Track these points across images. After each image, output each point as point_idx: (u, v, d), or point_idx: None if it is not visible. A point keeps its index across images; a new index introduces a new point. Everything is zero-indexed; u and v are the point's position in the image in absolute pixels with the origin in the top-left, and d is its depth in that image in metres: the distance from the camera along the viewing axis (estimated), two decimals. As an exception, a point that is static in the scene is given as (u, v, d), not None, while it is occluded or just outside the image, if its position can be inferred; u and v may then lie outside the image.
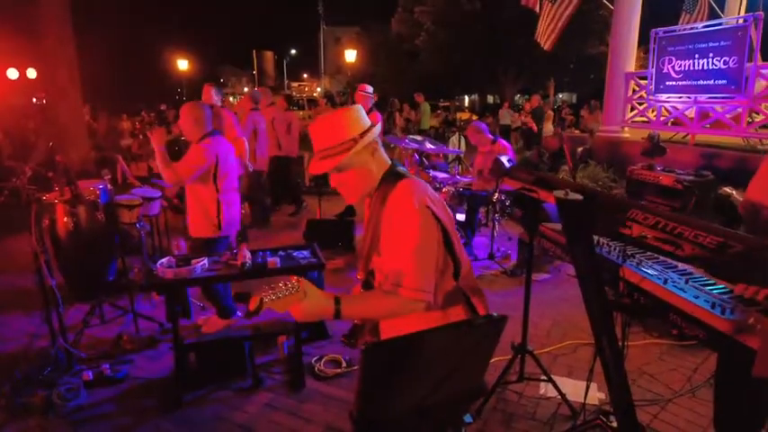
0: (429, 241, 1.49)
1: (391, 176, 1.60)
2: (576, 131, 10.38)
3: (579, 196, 1.74)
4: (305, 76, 50.24)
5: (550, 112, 14.97)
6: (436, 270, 1.51)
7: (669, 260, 1.97)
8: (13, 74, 8.45)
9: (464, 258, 1.65)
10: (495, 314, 0.82)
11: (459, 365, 0.77)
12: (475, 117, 19.53)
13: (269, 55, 10.81)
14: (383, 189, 1.58)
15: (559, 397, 2.82)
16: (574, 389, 2.91)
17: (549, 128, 12.63)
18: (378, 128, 1.63)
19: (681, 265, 1.92)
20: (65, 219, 3.35)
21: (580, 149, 7.94)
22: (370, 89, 6.01)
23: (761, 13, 5.47)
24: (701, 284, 1.75)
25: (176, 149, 5.75)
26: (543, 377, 2.92)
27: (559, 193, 1.76)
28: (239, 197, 3.63)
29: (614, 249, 2.10)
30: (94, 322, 3.79)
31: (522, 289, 2.92)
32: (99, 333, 3.73)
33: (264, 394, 3.00)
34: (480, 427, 2.70)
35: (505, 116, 15.55)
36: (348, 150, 1.53)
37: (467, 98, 38.25)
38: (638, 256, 2.04)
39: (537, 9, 9.11)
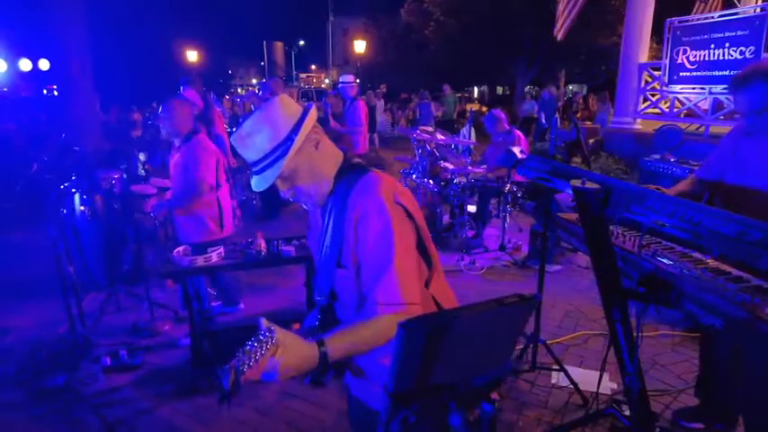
0: (408, 245, 1.28)
1: (349, 170, 1.36)
2: (588, 123, 10.32)
3: (596, 185, 1.75)
4: (313, 67, 50.13)
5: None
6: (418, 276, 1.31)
7: (685, 249, 1.97)
8: (26, 65, 8.53)
9: (436, 259, 1.42)
10: (526, 294, 0.82)
11: (489, 343, 0.78)
12: (485, 108, 19.42)
13: (279, 46, 10.90)
14: (341, 187, 1.33)
15: (571, 386, 2.84)
16: (585, 378, 2.92)
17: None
18: (313, 115, 1.34)
19: (696, 255, 1.93)
20: (82, 207, 3.40)
21: (591, 141, 7.89)
22: (351, 78, 6.02)
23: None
24: (717, 273, 1.75)
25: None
26: (555, 366, 2.94)
27: (576, 182, 1.77)
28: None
29: (630, 239, 2.10)
30: (110, 310, 3.87)
31: (533, 280, 2.94)
32: (115, 321, 3.80)
33: (279, 382, 3.04)
34: (518, 418, 2.73)
35: (527, 107, 15.38)
36: (285, 154, 1.27)
37: (476, 89, 38.00)
38: (653, 246, 2.04)
39: None
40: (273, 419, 2.72)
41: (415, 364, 0.71)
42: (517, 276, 4.63)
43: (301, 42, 44.08)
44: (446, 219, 5.78)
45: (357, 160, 1.40)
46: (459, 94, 23.32)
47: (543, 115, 12.78)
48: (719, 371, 2.46)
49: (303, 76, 44.89)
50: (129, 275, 3.98)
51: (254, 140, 1.28)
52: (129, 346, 3.38)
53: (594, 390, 2.72)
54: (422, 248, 1.33)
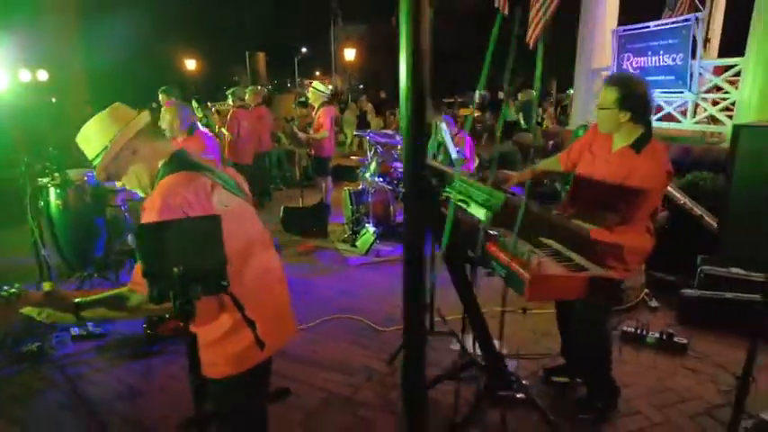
0: None
1: (164, 171, 1.60)
2: (548, 125, 10.80)
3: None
4: (317, 73, 50.74)
5: (550, 110, 15.22)
6: None
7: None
8: (25, 76, 9.17)
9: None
10: (216, 216, 1.24)
11: (203, 246, 1.23)
12: (477, 113, 19.84)
13: (261, 56, 11.81)
14: (157, 183, 1.60)
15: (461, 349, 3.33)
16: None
17: (549, 123, 12.79)
18: (136, 125, 1.59)
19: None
20: (57, 201, 3.94)
21: (551, 143, 8.36)
22: (321, 86, 6.50)
23: (701, 12, 5.87)
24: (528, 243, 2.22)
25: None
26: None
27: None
28: None
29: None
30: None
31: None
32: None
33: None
34: (392, 371, 3.23)
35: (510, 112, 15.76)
36: (103, 160, 1.56)
37: (477, 94, 38.26)
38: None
39: (505, 11, 9.41)
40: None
41: (151, 255, 1.20)
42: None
43: (303, 50, 44.74)
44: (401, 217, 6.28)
45: (178, 160, 1.62)
46: (452, 99, 23.75)
47: (522, 117, 13.24)
48: (568, 333, 2.98)
49: (306, 82, 45.54)
50: (101, 262, 4.52)
51: (87, 143, 1.61)
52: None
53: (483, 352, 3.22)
54: None
